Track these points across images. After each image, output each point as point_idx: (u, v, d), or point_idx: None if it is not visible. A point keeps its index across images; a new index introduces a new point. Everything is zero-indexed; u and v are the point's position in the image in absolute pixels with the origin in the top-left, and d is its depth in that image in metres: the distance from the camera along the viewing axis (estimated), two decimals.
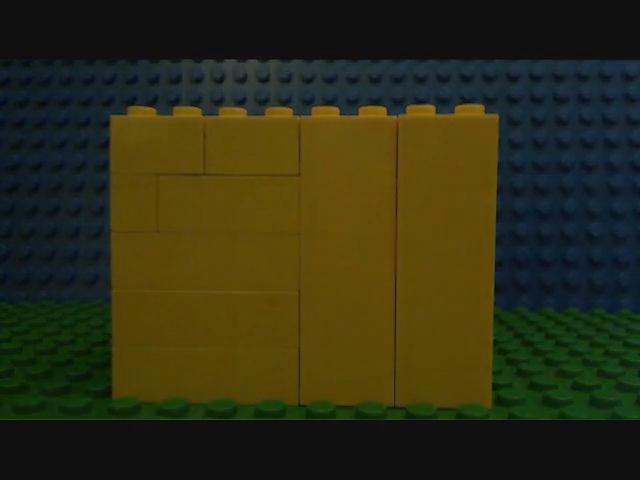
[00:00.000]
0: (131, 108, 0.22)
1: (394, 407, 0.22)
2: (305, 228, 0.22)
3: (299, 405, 0.22)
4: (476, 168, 0.21)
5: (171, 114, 0.22)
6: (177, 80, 0.44)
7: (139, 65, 0.44)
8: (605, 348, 0.29)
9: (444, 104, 0.42)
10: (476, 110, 0.21)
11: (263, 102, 0.43)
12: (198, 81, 0.44)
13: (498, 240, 0.36)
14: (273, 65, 0.44)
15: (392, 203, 0.22)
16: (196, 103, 0.43)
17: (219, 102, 0.43)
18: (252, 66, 0.44)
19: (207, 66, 0.44)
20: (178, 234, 0.22)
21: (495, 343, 0.28)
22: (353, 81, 0.43)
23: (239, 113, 0.22)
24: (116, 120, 0.22)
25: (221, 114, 0.22)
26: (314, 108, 0.22)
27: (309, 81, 0.43)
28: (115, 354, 0.22)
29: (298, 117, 0.22)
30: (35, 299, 0.42)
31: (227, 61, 0.44)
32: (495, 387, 0.23)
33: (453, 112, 0.22)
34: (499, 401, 0.22)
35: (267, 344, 0.22)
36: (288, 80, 0.43)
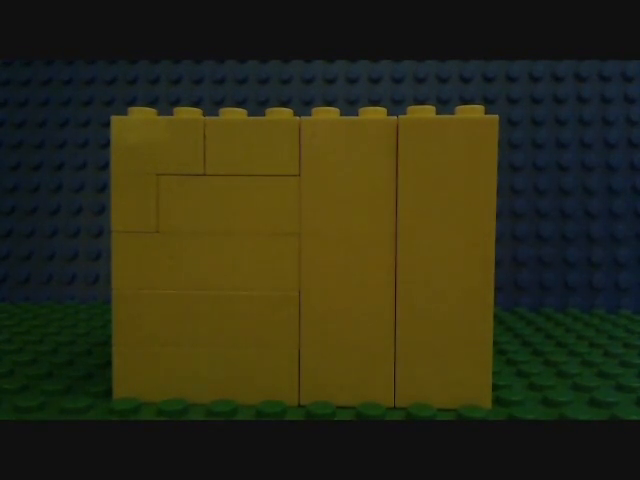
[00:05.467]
0: (132, 109, 0.22)
1: (394, 408, 0.22)
2: (305, 228, 0.22)
3: (299, 405, 0.22)
4: (476, 168, 0.21)
5: (172, 115, 0.22)
6: (177, 81, 0.44)
7: (139, 66, 0.44)
8: (605, 349, 0.29)
9: (444, 105, 0.42)
10: (476, 111, 0.22)
11: (263, 103, 0.43)
12: (198, 82, 0.44)
13: (498, 240, 0.36)
14: (273, 66, 0.44)
15: (392, 203, 0.22)
16: (196, 104, 0.43)
17: (219, 103, 0.43)
18: (252, 67, 0.44)
19: (207, 67, 0.44)
20: (178, 234, 0.22)
21: (495, 343, 0.28)
22: (353, 81, 0.43)
23: (239, 114, 0.23)
24: (117, 120, 0.22)
25: (221, 115, 0.23)
26: (314, 109, 0.22)
27: (309, 82, 0.43)
28: (115, 354, 0.22)
29: (298, 118, 0.22)
30: (35, 299, 0.42)
31: (227, 62, 0.44)
32: (495, 388, 0.23)
33: (453, 113, 0.22)
34: (499, 402, 0.22)
35: (267, 344, 0.22)
36: (289, 81, 0.43)
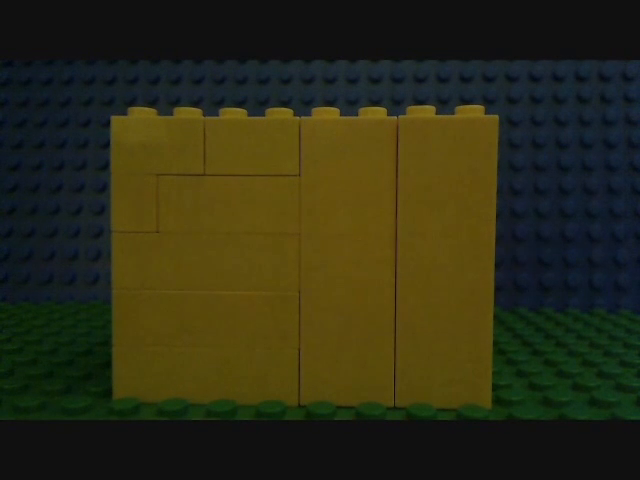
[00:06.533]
0: (132, 109, 0.22)
1: (394, 408, 0.22)
2: (305, 228, 0.22)
3: (299, 406, 0.22)
4: (476, 168, 0.21)
5: (172, 115, 0.22)
6: (177, 81, 0.44)
7: (140, 66, 0.44)
8: (605, 349, 0.29)
9: (444, 105, 0.42)
10: (476, 111, 0.22)
11: (263, 103, 0.43)
12: (198, 82, 0.44)
13: (498, 240, 0.36)
14: (273, 66, 0.44)
15: (392, 204, 0.22)
16: (196, 104, 0.43)
17: (219, 103, 0.43)
18: (252, 67, 0.44)
19: (207, 67, 0.44)
20: (178, 234, 0.22)
21: (495, 343, 0.28)
22: (353, 82, 0.43)
23: (239, 114, 0.23)
24: (117, 120, 0.22)
25: (221, 115, 0.23)
26: (314, 109, 0.22)
27: (309, 82, 0.43)
28: (115, 354, 0.22)
29: (298, 118, 0.22)
30: (35, 299, 0.42)
31: (227, 62, 0.44)
32: (495, 387, 0.23)
33: (453, 113, 0.22)
34: (499, 401, 0.22)
35: (267, 344, 0.22)
36: (289, 81, 0.43)
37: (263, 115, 0.23)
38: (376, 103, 0.43)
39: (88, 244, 0.43)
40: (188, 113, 0.22)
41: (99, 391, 0.23)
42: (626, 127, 0.41)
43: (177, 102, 0.44)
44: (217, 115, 0.23)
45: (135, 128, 0.22)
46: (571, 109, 0.42)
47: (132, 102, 0.44)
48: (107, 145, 0.43)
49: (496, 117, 0.21)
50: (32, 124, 0.44)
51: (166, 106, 0.43)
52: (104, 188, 0.43)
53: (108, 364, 0.26)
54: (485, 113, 0.22)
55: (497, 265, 0.39)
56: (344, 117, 0.22)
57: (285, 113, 0.22)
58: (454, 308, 0.22)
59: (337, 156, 0.22)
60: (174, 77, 0.44)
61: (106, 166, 0.43)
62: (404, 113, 0.22)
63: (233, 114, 0.22)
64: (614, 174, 0.41)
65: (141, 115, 0.22)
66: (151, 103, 0.44)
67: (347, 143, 0.22)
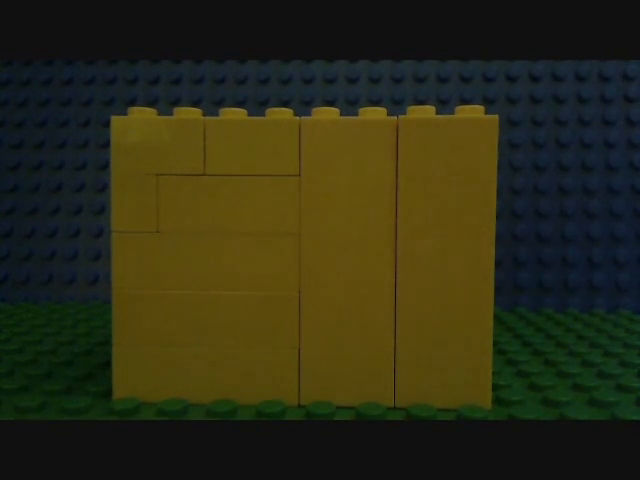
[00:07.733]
0: (132, 109, 0.22)
1: (394, 408, 0.22)
2: (305, 228, 0.22)
3: (299, 406, 0.22)
4: (476, 168, 0.21)
5: (172, 115, 0.22)
6: (177, 81, 0.44)
7: (140, 66, 0.44)
8: (605, 349, 0.29)
9: (444, 105, 0.42)
10: (476, 111, 0.22)
11: (263, 103, 0.43)
12: (198, 82, 0.44)
13: (498, 240, 0.36)
14: (273, 66, 0.44)
15: (392, 203, 0.22)
16: (197, 104, 0.43)
17: (219, 103, 0.43)
18: (252, 67, 0.44)
19: (207, 67, 0.44)
20: (178, 234, 0.22)
21: (495, 344, 0.28)
22: (353, 81, 0.43)
23: (239, 114, 0.23)
24: (117, 120, 0.22)
25: (221, 115, 0.23)
26: (314, 109, 0.22)
27: (309, 82, 0.43)
28: (115, 354, 0.22)
29: (298, 118, 0.22)
30: (35, 299, 0.42)
31: (227, 62, 0.44)
32: (495, 388, 0.23)
33: (453, 113, 0.22)
34: (499, 401, 0.22)
35: (267, 344, 0.22)
36: (288, 81, 0.43)
37: (263, 115, 0.23)
38: (376, 103, 0.43)
39: (88, 244, 0.43)
40: (188, 113, 0.22)
41: (99, 391, 0.23)
42: (626, 127, 0.41)
43: (177, 102, 0.44)
44: (217, 115, 0.23)
45: (135, 128, 0.22)
46: (571, 109, 0.42)
47: (132, 102, 0.44)
48: (107, 145, 0.43)
49: (496, 117, 0.21)
50: (32, 124, 0.44)
51: (166, 106, 0.43)
52: (104, 188, 0.43)
53: (108, 364, 0.26)
54: (485, 113, 0.22)
55: (497, 265, 0.39)
56: (344, 117, 0.22)
57: (285, 113, 0.22)
58: (454, 308, 0.22)
59: (337, 156, 0.22)
60: (174, 77, 0.44)
61: (106, 166, 0.43)
62: (404, 113, 0.22)
63: (233, 114, 0.22)
64: (614, 174, 0.41)
65: (141, 115, 0.22)
66: (151, 103, 0.44)
67: (347, 143, 0.22)
